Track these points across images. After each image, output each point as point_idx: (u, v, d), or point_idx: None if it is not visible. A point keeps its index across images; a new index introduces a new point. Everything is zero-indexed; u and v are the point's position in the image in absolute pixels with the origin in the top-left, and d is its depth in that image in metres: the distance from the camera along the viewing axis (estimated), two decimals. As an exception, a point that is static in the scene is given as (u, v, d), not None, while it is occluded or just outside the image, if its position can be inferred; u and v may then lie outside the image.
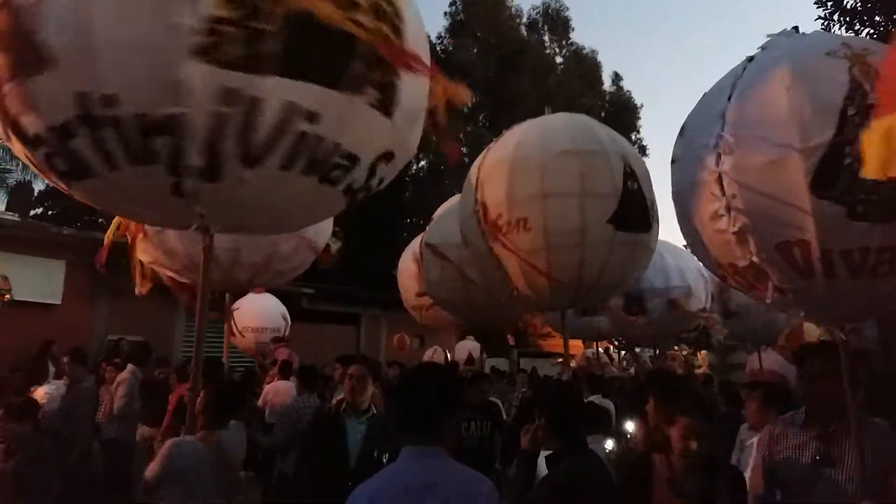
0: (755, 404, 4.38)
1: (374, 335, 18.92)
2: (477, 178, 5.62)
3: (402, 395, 2.44)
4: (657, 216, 5.71)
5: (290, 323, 9.52)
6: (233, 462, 3.78)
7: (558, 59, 28.53)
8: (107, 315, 12.43)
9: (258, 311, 9.36)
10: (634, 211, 5.35)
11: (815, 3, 10.58)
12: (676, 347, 16.59)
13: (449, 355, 11.97)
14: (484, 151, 5.87)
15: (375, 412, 4.25)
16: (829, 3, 10.43)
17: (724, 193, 3.00)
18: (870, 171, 1.88)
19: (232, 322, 9.34)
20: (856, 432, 2.87)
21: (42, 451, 4.45)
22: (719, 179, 3.01)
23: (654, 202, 5.63)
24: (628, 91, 30.01)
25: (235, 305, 9.32)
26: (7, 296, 8.70)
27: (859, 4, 10.12)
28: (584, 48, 29.35)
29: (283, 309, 9.55)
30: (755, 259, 2.99)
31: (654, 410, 3.63)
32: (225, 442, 3.65)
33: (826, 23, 10.49)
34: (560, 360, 17.26)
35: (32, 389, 6.71)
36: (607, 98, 28.83)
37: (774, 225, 2.89)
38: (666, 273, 8.31)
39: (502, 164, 5.43)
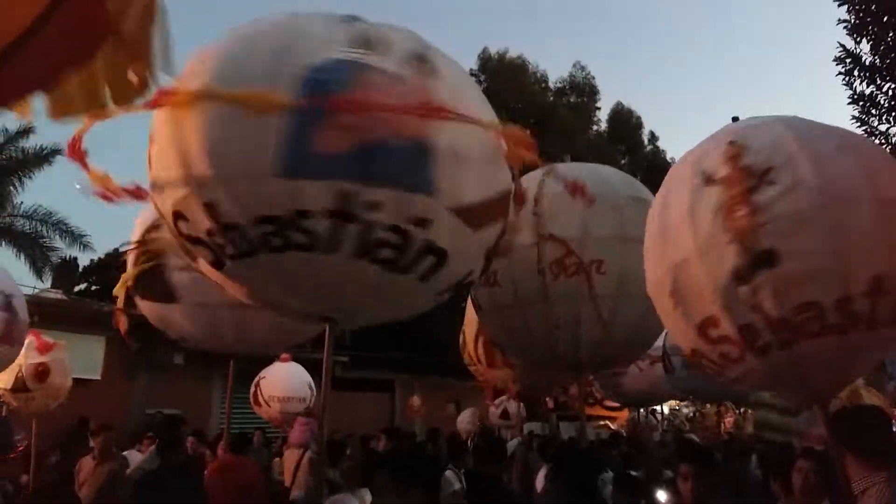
0: (802, 477, 3.68)
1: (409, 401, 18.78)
2: (535, 212, 5.02)
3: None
4: None
5: (315, 392, 9.40)
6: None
7: (588, 123, 28.98)
8: (145, 389, 12.66)
9: (284, 381, 9.32)
10: None
11: (835, 60, 10.66)
12: (708, 406, 15.67)
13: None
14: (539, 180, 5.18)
15: None
16: (849, 60, 10.49)
17: None
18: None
19: (258, 391, 9.41)
20: None
21: None
22: None
23: None
24: (665, 151, 30.56)
25: (262, 374, 9.37)
26: None
27: (878, 60, 10.18)
28: (624, 108, 30.41)
29: (309, 378, 9.53)
30: None
31: (684, 482, 3.58)
32: None
33: (846, 78, 10.55)
34: (602, 423, 16.87)
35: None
36: (645, 159, 29.16)
37: None
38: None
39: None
